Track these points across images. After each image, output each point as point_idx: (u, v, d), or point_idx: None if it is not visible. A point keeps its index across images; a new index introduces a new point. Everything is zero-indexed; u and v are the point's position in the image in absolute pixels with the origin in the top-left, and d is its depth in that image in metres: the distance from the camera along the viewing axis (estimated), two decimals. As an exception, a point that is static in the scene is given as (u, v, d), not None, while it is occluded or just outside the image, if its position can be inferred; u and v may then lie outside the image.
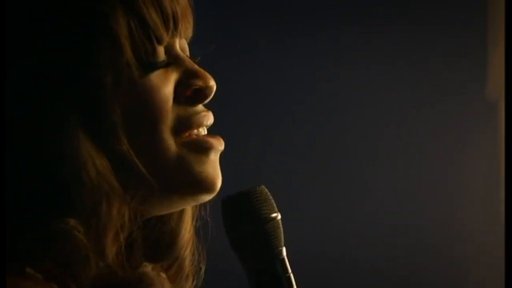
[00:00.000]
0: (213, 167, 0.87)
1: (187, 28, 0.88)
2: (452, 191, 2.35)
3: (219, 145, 0.88)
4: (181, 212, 0.94)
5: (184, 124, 0.85)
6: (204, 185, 0.86)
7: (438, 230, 2.35)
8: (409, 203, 2.36)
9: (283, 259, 0.87)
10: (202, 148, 0.86)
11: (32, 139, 0.79)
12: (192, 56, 0.89)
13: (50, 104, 0.79)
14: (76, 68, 0.80)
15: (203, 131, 0.89)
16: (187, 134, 0.86)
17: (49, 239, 0.77)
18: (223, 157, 0.92)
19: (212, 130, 0.92)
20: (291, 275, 0.87)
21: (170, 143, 0.84)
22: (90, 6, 0.80)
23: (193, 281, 0.95)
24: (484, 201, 2.32)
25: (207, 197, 0.88)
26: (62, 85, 0.80)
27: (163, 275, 0.89)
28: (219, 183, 0.88)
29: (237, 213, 0.87)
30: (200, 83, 0.86)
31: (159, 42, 0.84)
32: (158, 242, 0.92)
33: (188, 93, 0.86)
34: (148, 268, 0.86)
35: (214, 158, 0.88)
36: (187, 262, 0.94)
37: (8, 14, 0.79)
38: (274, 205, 0.88)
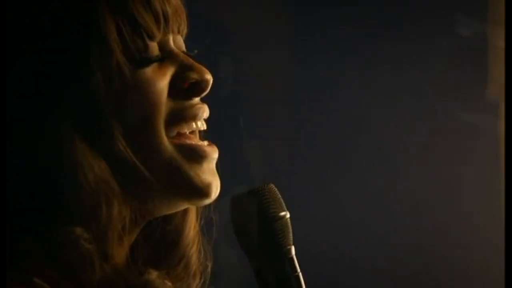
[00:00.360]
0: (207, 174, 0.87)
1: (180, 24, 0.88)
2: (452, 191, 2.36)
3: (213, 153, 0.88)
4: (185, 211, 0.93)
5: (179, 116, 0.85)
6: (198, 190, 0.86)
7: (437, 230, 2.35)
8: (409, 203, 2.36)
9: (291, 258, 0.87)
10: (196, 156, 0.86)
11: (28, 145, 0.79)
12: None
13: (43, 108, 0.79)
14: (67, 71, 0.80)
15: (202, 125, 0.89)
16: (184, 131, 0.86)
17: (55, 248, 0.77)
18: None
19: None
20: (300, 274, 0.86)
21: (165, 137, 0.84)
22: (78, 8, 0.81)
23: (200, 278, 0.95)
24: (484, 201, 2.33)
25: (203, 202, 0.88)
26: (54, 89, 0.79)
27: (168, 283, 0.89)
28: (214, 188, 0.87)
29: (245, 212, 0.87)
30: (195, 76, 0.86)
31: (151, 38, 0.84)
32: (163, 241, 0.92)
33: (184, 86, 0.86)
34: (153, 275, 0.86)
35: (208, 166, 0.87)
36: (194, 259, 0.94)
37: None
38: (283, 203, 0.87)
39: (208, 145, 0.89)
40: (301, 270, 0.87)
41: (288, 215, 0.87)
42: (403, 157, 2.36)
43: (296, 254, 0.88)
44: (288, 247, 0.87)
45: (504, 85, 1.99)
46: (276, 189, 0.88)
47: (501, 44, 2.17)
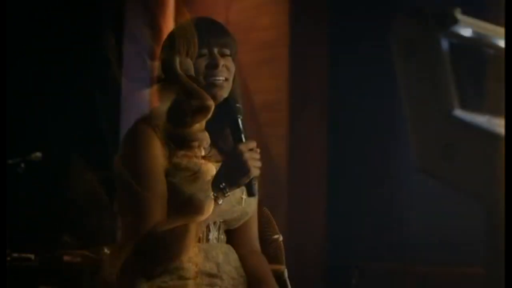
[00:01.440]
0: (202, 191, 0.88)
1: (189, 47, 0.88)
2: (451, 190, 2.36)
3: (211, 170, 0.89)
4: (185, 231, 0.94)
5: (178, 143, 0.86)
6: (193, 207, 0.87)
7: (435, 230, 2.35)
8: (407, 202, 2.36)
9: (285, 281, 0.87)
10: (192, 175, 0.87)
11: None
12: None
13: (50, 120, 0.80)
14: (71, 83, 0.81)
15: (200, 152, 0.89)
16: (182, 153, 0.87)
17: (48, 257, 0.78)
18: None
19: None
20: (292, 297, 0.87)
21: (164, 161, 0.85)
22: (84, 25, 0.82)
23: None
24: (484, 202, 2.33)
25: (197, 219, 0.89)
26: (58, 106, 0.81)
27: None
28: (207, 207, 0.88)
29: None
30: (197, 103, 0.87)
31: (151, 58, 0.85)
32: (159, 258, 0.93)
33: (185, 112, 0.86)
34: None
35: (202, 185, 0.88)
36: (191, 277, 0.95)
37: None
38: (276, 227, 0.88)
39: (204, 163, 0.90)
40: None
41: (281, 238, 0.88)
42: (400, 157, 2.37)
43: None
44: (281, 270, 0.87)
45: (504, 85, 1.99)
46: (269, 213, 0.89)
47: (501, 44, 2.17)
